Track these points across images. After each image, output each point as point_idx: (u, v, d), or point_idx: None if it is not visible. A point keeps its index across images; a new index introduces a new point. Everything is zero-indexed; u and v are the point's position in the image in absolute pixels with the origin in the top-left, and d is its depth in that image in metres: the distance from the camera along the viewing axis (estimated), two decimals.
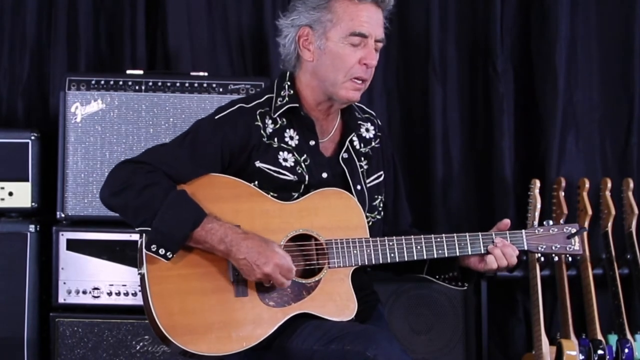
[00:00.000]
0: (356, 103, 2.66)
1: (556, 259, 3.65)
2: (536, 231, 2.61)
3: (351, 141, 2.65)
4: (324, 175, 2.58)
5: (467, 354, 3.73)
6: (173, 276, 2.40)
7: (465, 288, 2.70)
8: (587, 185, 3.75)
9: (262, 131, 2.55)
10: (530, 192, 3.71)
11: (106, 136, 3.46)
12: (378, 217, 2.66)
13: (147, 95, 3.48)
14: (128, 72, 3.57)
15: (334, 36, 2.53)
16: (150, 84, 3.48)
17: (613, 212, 3.72)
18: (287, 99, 2.58)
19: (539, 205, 3.68)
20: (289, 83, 2.60)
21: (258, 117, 2.56)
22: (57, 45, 3.88)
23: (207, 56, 3.93)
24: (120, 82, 3.48)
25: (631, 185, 3.77)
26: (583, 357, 3.47)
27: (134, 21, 3.90)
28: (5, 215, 3.50)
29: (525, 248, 2.59)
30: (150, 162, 2.45)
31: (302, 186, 2.54)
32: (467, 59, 4.01)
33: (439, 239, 2.53)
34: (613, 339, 3.54)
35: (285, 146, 2.56)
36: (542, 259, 3.66)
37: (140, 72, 3.58)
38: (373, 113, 2.79)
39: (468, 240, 2.54)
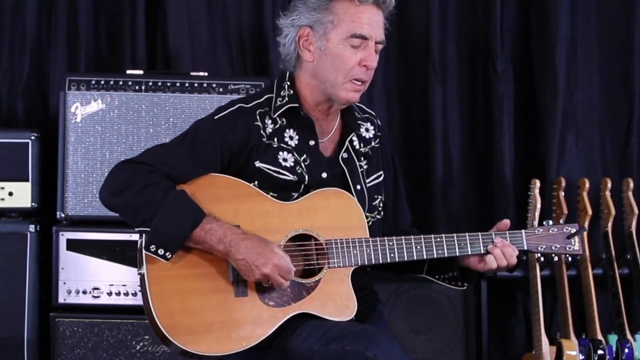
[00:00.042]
0: (356, 103, 2.66)
1: (556, 259, 3.65)
2: (536, 231, 2.61)
3: (351, 141, 2.65)
4: (324, 175, 2.58)
5: (467, 354, 3.73)
6: (173, 276, 2.40)
7: (465, 288, 2.70)
8: (587, 185, 3.75)
9: (261, 131, 2.55)
10: (530, 192, 3.71)
11: (106, 136, 3.46)
12: (378, 217, 2.66)
13: (147, 95, 3.48)
14: (128, 72, 3.57)
15: (335, 37, 2.52)
16: (150, 84, 3.48)
17: (613, 212, 3.72)
18: (286, 99, 2.58)
19: (539, 205, 3.69)
20: (288, 83, 2.60)
21: (258, 117, 2.56)
22: (57, 45, 3.88)
23: (207, 56, 3.93)
24: (120, 82, 3.48)
25: (631, 185, 3.77)
26: (583, 357, 3.47)
27: (134, 21, 3.90)
28: (5, 215, 3.50)
29: (525, 248, 2.59)
30: (149, 162, 2.45)
31: (302, 186, 2.54)
32: (467, 59, 4.01)
33: (438, 239, 2.53)
34: (613, 339, 3.54)
35: (285, 146, 2.56)
36: (542, 259, 3.66)
37: (140, 72, 3.58)
38: (373, 113, 2.79)
39: (468, 240, 2.54)
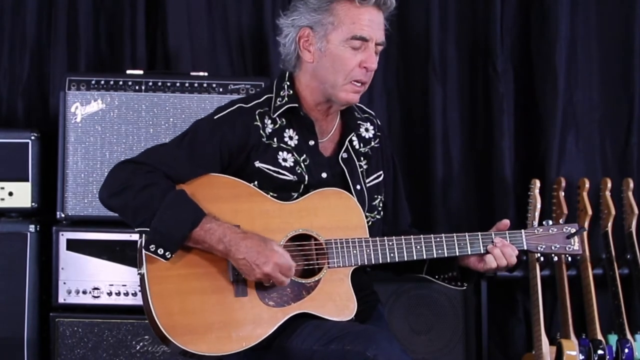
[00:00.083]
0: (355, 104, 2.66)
1: (556, 259, 3.65)
2: (535, 231, 2.61)
3: (350, 141, 2.65)
4: (324, 175, 2.58)
5: (467, 354, 3.72)
6: (173, 276, 2.40)
7: (465, 288, 2.70)
8: (587, 185, 3.75)
9: (261, 131, 2.55)
10: (530, 192, 3.71)
11: (106, 136, 3.46)
12: (378, 217, 2.66)
13: (147, 95, 3.48)
14: (128, 72, 3.57)
15: (335, 39, 2.52)
16: (150, 84, 3.48)
17: (613, 212, 3.72)
18: (286, 99, 2.58)
19: (539, 205, 3.69)
20: (288, 83, 2.60)
21: (257, 117, 2.56)
22: (57, 45, 3.88)
23: (207, 56, 3.93)
24: (120, 82, 3.48)
25: (631, 185, 3.77)
26: (583, 357, 3.47)
27: (134, 21, 3.90)
28: (5, 215, 3.50)
29: (525, 248, 2.59)
30: (149, 162, 2.45)
31: (302, 186, 2.54)
32: (467, 59, 4.01)
33: (438, 239, 2.53)
34: (613, 339, 3.54)
35: (284, 146, 2.56)
36: (542, 259, 3.66)
37: (140, 72, 3.58)
38: (372, 113, 2.79)
39: (467, 240, 2.54)
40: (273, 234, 2.44)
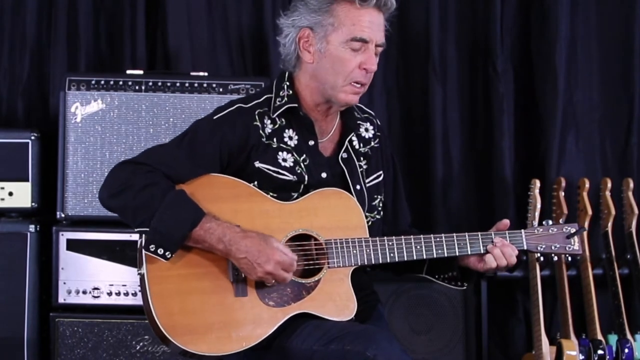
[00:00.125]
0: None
1: (556, 259, 3.65)
2: (535, 231, 2.61)
3: (350, 141, 2.65)
4: (324, 175, 2.58)
5: (467, 354, 3.72)
6: (173, 276, 2.40)
7: (465, 288, 2.70)
8: (587, 185, 3.75)
9: (260, 131, 2.55)
10: (530, 192, 3.71)
11: (106, 136, 3.46)
12: (377, 217, 2.66)
13: (147, 95, 3.48)
14: (128, 72, 3.57)
15: (335, 40, 2.52)
16: (150, 84, 3.49)
17: (613, 212, 3.72)
18: (286, 99, 2.58)
19: (539, 205, 3.69)
20: (288, 83, 2.60)
21: (257, 117, 2.56)
22: (57, 45, 3.88)
23: (207, 56, 3.93)
24: (120, 82, 3.48)
25: (631, 185, 3.77)
26: (583, 357, 3.47)
27: (134, 21, 3.90)
28: (5, 215, 3.50)
29: (525, 248, 2.59)
30: (149, 162, 2.45)
31: (302, 186, 2.54)
32: (467, 59, 4.01)
33: (438, 239, 2.53)
34: (613, 339, 3.54)
35: (284, 146, 2.56)
36: (542, 259, 3.65)
37: (140, 72, 3.58)
38: (372, 113, 2.79)
39: (467, 240, 2.54)
40: (273, 234, 2.44)
